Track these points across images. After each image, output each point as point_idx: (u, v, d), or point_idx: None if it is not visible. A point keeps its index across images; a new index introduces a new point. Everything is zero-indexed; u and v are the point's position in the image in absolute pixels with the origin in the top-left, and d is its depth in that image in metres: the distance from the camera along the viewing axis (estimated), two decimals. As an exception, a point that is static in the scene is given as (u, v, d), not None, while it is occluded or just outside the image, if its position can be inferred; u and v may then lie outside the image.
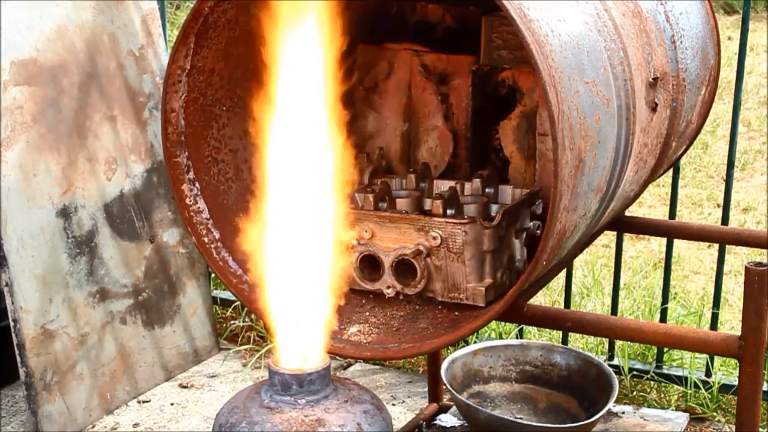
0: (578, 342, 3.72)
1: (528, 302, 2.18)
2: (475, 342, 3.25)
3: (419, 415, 2.83)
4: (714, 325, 3.42)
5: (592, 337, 3.63)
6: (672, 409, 3.31)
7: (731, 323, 3.96)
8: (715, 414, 3.34)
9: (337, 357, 3.27)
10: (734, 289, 4.24)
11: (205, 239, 2.28)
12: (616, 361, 3.53)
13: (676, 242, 3.68)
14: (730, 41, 7.76)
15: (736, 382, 3.16)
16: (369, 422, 1.79)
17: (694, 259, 4.82)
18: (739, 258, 4.62)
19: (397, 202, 2.38)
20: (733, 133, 3.24)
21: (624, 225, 2.91)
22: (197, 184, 2.27)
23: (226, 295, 3.97)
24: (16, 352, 3.06)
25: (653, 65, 2.29)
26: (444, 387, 2.65)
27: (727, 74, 4.21)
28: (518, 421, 2.39)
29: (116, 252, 3.35)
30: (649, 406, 3.33)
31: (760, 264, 1.98)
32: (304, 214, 1.80)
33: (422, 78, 2.59)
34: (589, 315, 2.19)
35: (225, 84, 2.27)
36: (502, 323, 3.72)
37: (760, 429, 2.79)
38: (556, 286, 4.14)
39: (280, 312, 1.83)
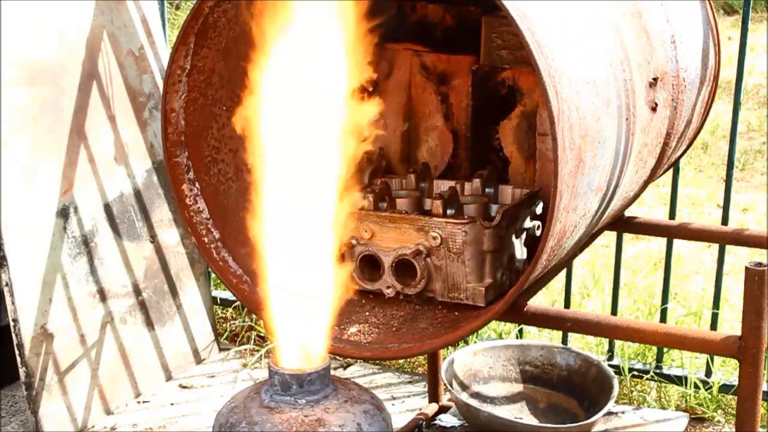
0: (578, 342, 3.71)
1: (528, 302, 2.18)
2: (475, 342, 3.25)
3: (419, 415, 2.82)
4: (714, 325, 3.42)
5: (592, 337, 3.63)
6: (672, 409, 3.31)
7: (731, 323, 3.96)
8: (715, 414, 3.34)
9: (337, 357, 3.28)
10: (734, 289, 4.24)
11: (205, 239, 2.28)
12: (616, 361, 3.53)
13: (676, 242, 3.68)
14: (730, 41, 7.75)
15: (736, 382, 3.16)
16: (369, 422, 1.78)
17: (694, 259, 4.82)
18: (739, 258, 4.62)
19: (397, 202, 2.38)
20: (733, 133, 3.23)
21: (624, 225, 2.90)
22: (197, 184, 2.27)
23: (226, 295, 3.97)
24: (16, 352, 3.06)
25: (653, 65, 2.29)
26: (444, 387, 2.65)
27: (727, 74, 4.20)
28: (518, 421, 2.39)
29: (116, 252, 3.35)
30: (649, 406, 3.33)
31: (760, 264, 1.98)
32: (303, 213, 1.80)
33: (422, 78, 2.59)
34: (589, 315, 2.19)
35: (225, 84, 2.27)
36: (502, 323, 3.72)
37: (760, 429, 2.79)
38: (556, 286, 4.14)
39: (280, 312, 1.83)
